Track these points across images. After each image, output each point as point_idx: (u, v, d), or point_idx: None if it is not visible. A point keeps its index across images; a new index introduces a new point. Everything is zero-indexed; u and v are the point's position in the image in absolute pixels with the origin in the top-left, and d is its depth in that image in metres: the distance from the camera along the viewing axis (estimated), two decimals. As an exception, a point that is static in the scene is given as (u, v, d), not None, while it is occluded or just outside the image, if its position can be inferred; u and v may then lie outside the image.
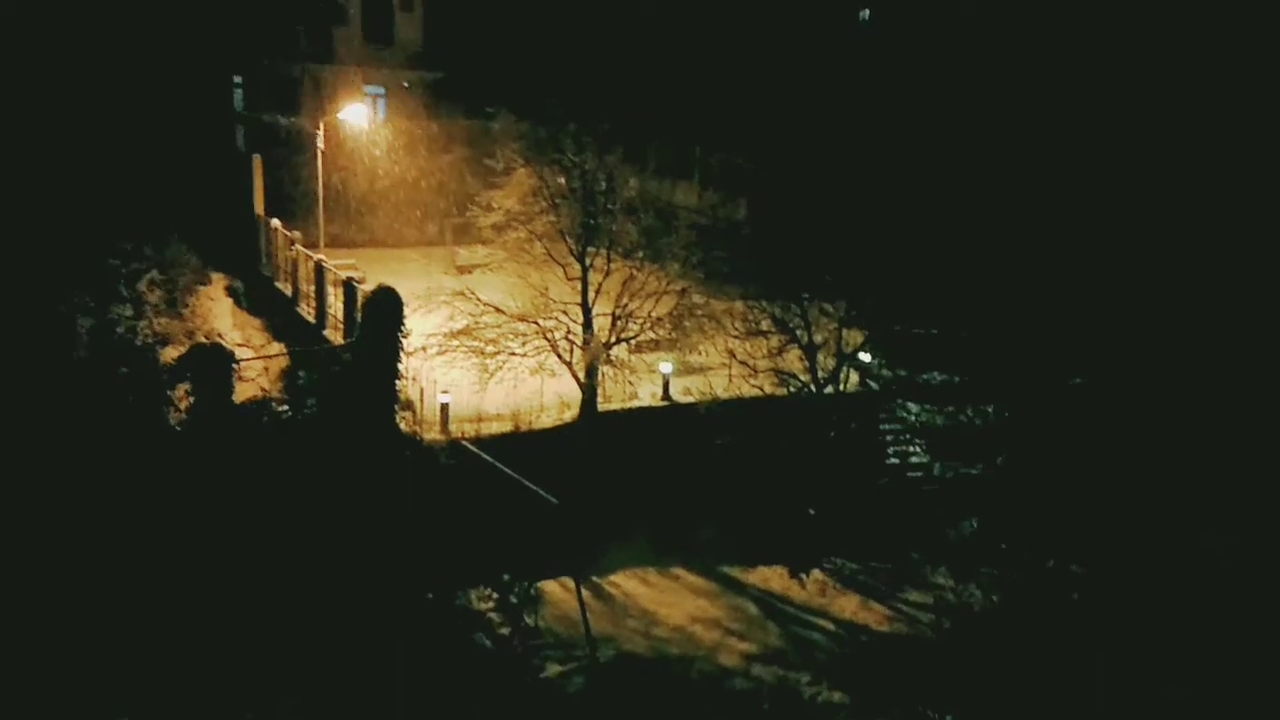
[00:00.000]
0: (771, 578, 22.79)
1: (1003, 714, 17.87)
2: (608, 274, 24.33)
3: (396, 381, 21.83)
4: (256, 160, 35.27)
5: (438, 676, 17.76)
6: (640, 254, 24.56)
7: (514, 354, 23.25)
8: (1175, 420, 21.94)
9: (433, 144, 40.12)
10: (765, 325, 24.59)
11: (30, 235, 24.88)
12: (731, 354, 24.61)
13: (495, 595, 20.37)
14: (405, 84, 42.24)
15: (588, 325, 24.01)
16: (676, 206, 30.22)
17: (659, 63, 37.36)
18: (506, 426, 23.27)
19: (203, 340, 24.23)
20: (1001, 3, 31.56)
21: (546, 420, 23.86)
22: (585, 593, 20.95)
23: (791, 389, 24.12)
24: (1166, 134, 26.60)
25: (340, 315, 26.10)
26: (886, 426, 26.05)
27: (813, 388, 24.09)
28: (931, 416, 25.52)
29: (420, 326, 22.90)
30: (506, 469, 20.52)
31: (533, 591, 20.67)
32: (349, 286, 25.37)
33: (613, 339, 24.07)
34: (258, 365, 23.88)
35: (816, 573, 23.01)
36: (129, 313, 24.43)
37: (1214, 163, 25.83)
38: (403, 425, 22.00)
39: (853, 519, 23.72)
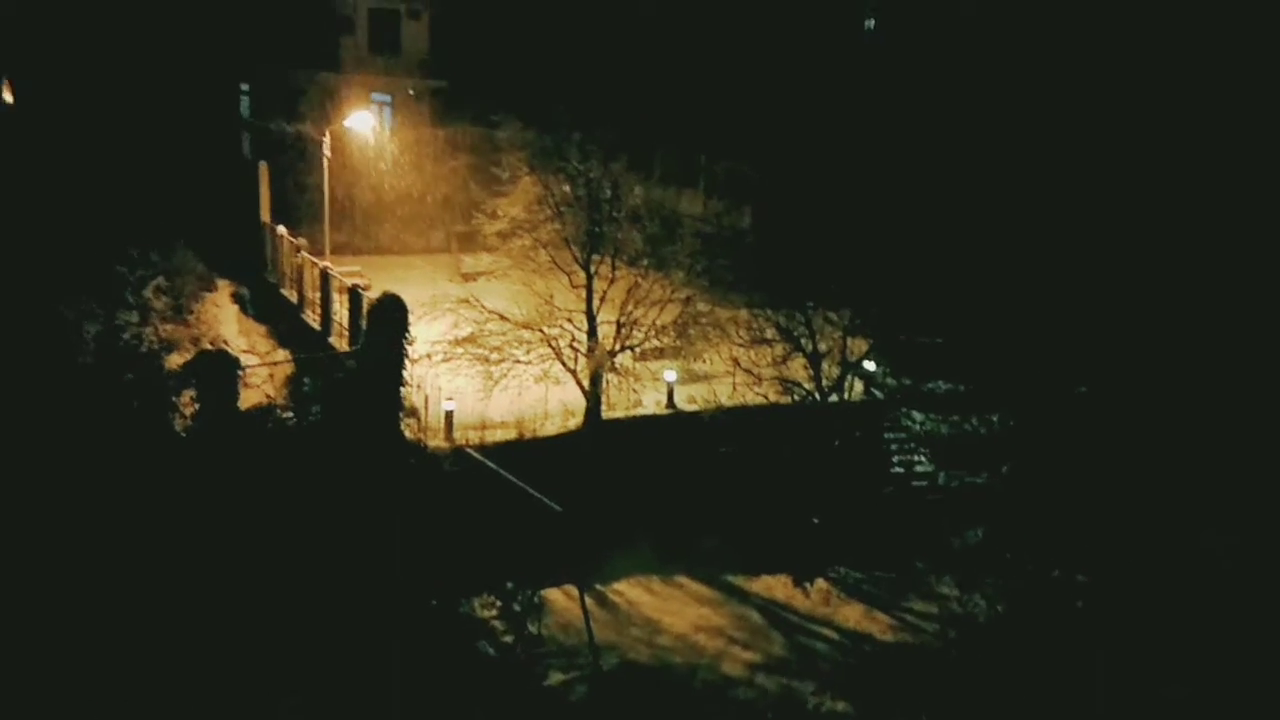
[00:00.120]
0: (775, 586, 22.76)
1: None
2: (612, 282, 24.35)
3: (401, 388, 21.85)
4: (263, 167, 35.32)
5: (441, 684, 17.74)
6: (645, 262, 24.60)
7: (519, 361, 23.26)
8: (1176, 421, 21.89)
9: (439, 152, 40.14)
10: (770, 333, 24.56)
11: (38, 241, 24.99)
12: (736, 362, 24.60)
13: (499, 603, 20.36)
14: (412, 92, 42.29)
15: (592, 333, 24.03)
16: (681, 214, 30.21)
17: (665, 71, 37.39)
18: (511, 434, 23.28)
19: (208, 347, 24.29)
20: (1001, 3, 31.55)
21: (551, 428, 23.86)
22: (588, 601, 20.95)
23: (796, 397, 24.10)
24: (1171, 142, 26.58)
25: (345, 322, 26.13)
26: (891, 435, 26.02)
27: (817, 396, 24.06)
28: (936, 425, 25.49)
29: (425, 334, 22.93)
30: (510, 476, 20.52)
31: (536, 599, 20.66)
32: (354, 293, 25.41)
33: (617, 347, 24.08)
34: (263, 372, 23.93)
35: (820, 582, 22.98)
36: (135, 319, 24.50)
37: (1217, 171, 25.81)
38: (407, 432, 22.01)
39: (857, 528, 23.68)
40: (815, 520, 23.53)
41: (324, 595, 17.75)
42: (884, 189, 27.84)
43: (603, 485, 22.57)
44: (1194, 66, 27.20)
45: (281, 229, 32.09)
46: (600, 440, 23.86)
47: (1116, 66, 28.39)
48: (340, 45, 41.09)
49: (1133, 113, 27.72)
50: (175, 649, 16.66)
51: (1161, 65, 27.63)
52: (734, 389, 25.06)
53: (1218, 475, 21.07)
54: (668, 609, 21.63)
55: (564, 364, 23.65)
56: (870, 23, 37.57)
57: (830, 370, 24.28)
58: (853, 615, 21.91)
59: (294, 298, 30.29)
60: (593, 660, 19.54)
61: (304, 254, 29.90)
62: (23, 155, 30.59)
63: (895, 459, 25.72)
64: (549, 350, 23.46)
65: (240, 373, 21.04)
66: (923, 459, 25.63)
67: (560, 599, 21.21)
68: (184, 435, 19.72)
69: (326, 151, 31.95)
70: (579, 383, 23.88)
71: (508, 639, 19.74)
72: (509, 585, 20.54)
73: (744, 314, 25.36)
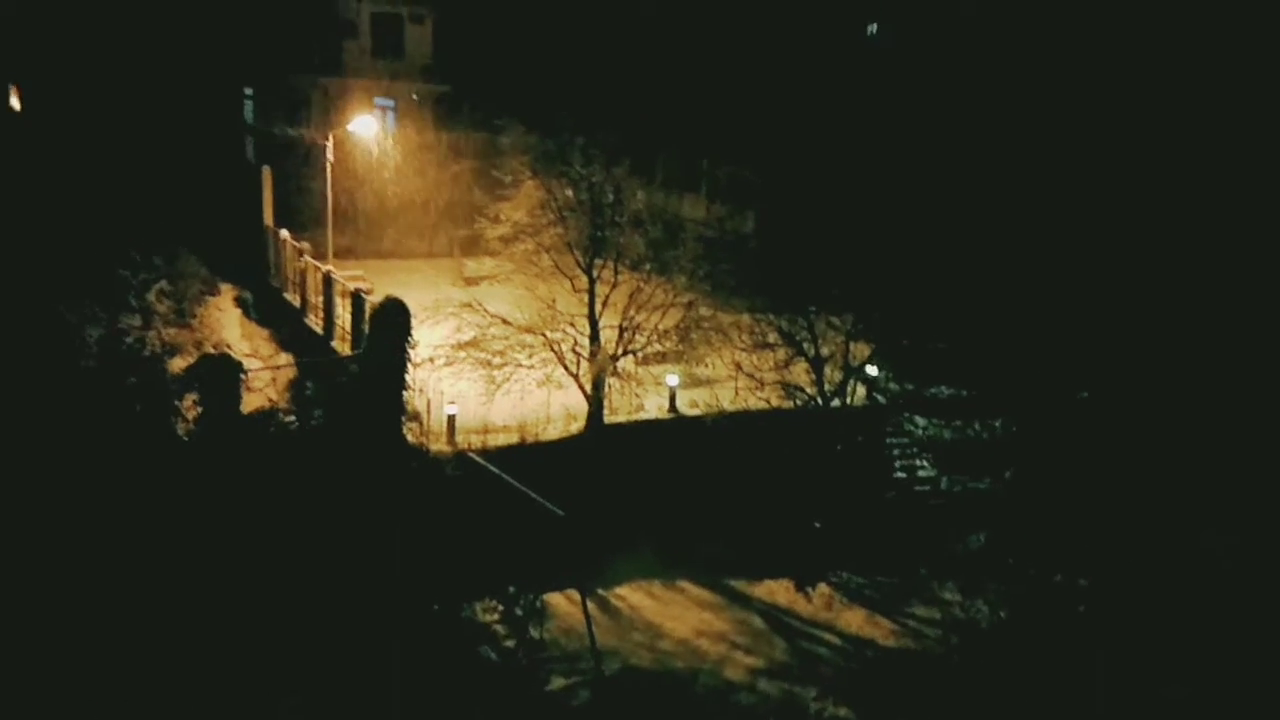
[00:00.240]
0: (777, 591, 22.74)
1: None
2: (615, 286, 24.37)
3: (404, 392, 21.85)
4: (266, 172, 35.40)
5: (443, 688, 17.73)
6: (647, 266, 24.62)
7: (521, 366, 23.29)
8: (1177, 423, 21.84)
9: (441, 156, 40.25)
10: (772, 338, 24.58)
11: (42, 244, 25.02)
12: (738, 366, 24.59)
13: (500, 607, 20.34)
14: (415, 96, 42.37)
15: (595, 337, 24.05)
16: (684, 219, 30.27)
17: (667, 76, 37.45)
18: (513, 438, 23.28)
19: (211, 351, 24.30)
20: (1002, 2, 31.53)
21: (553, 432, 23.87)
22: (591, 605, 20.92)
23: (798, 402, 24.09)
24: (1173, 147, 26.56)
25: (348, 326, 26.17)
26: (893, 440, 25.98)
27: (819, 401, 24.07)
28: (939, 430, 25.42)
29: (428, 338, 22.93)
30: (513, 480, 20.53)
31: (538, 604, 20.63)
32: (357, 297, 25.44)
33: (619, 351, 24.09)
34: (266, 376, 23.92)
35: (823, 586, 22.96)
36: (138, 323, 24.50)
37: (1218, 178, 25.78)
38: (410, 436, 22.02)
39: (859, 533, 23.67)
40: (817, 525, 23.52)
41: (326, 598, 17.75)
42: (886, 194, 27.82)
43: (605, 489, 22.56)
44: (1198, 73, 27.19)
45: (284, 233, 32.14)
46: (602, 444, 23.86)
47: (1119, 70, 28.39)
48: (343, 50, 41.18)
49: (1135, 117, 27.71)
50: (177, 650, 16.67)
51: (1165, 71, 27.63)
52: (736, 393, 25.06)
53: (1218, 476, 21.02)
54: (670, 613, 21.62)
55: (566, 368, 23.66)
56: (872, 27, 37.60)
57: (833, 375, 24.28)
58: (855, 620, 21.89)
59: (297, 302, 30.34)
60: (595, 665, 19.51)
61: (307, 258, 29.96)
62: (29, 159, 30.63)
63: (898, 464, 25.70)
64: (551, 354, 23.48)
65: (243, 376, 21.01)
66: (925, 464, 25.61)
67: (562, 603, 21.19)
68: (186, 439, 19.73)
69: (329, 156, 32.01)
70: (581, 387, 23.89)
71: (510, 643, 19.72)
72: (511, 589, 20.52)
73: (746, 318, 25.38)
